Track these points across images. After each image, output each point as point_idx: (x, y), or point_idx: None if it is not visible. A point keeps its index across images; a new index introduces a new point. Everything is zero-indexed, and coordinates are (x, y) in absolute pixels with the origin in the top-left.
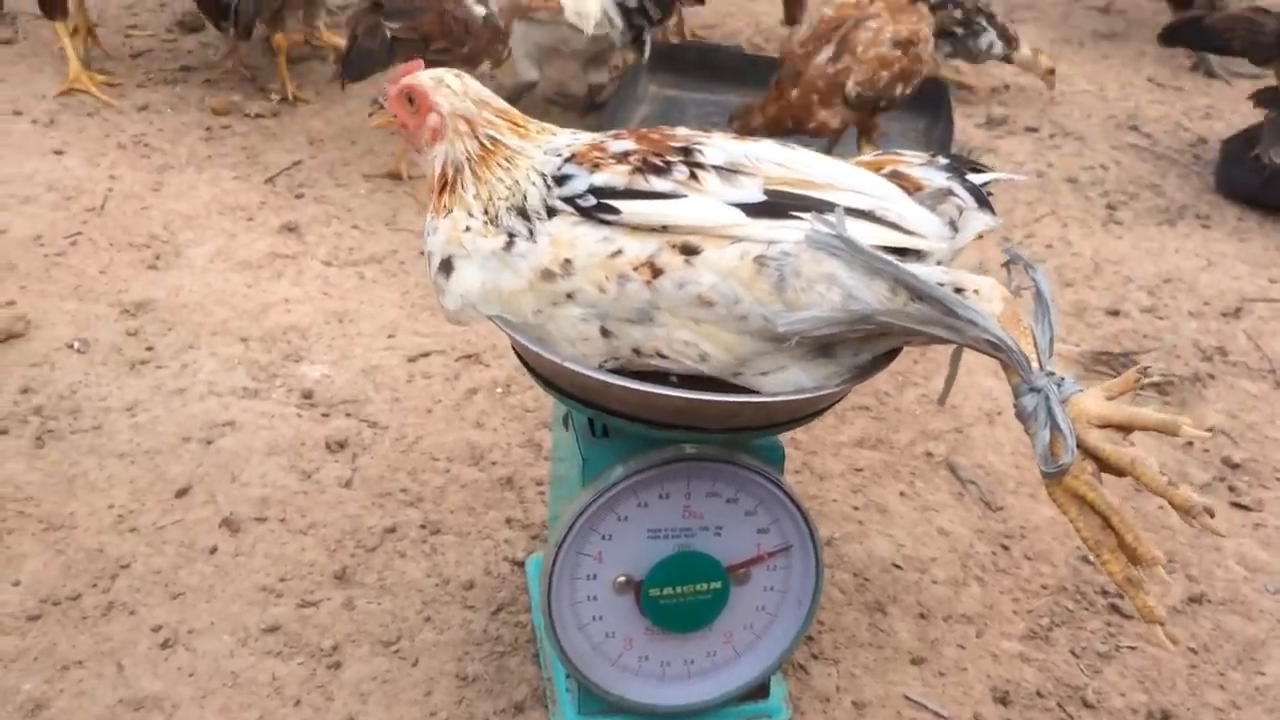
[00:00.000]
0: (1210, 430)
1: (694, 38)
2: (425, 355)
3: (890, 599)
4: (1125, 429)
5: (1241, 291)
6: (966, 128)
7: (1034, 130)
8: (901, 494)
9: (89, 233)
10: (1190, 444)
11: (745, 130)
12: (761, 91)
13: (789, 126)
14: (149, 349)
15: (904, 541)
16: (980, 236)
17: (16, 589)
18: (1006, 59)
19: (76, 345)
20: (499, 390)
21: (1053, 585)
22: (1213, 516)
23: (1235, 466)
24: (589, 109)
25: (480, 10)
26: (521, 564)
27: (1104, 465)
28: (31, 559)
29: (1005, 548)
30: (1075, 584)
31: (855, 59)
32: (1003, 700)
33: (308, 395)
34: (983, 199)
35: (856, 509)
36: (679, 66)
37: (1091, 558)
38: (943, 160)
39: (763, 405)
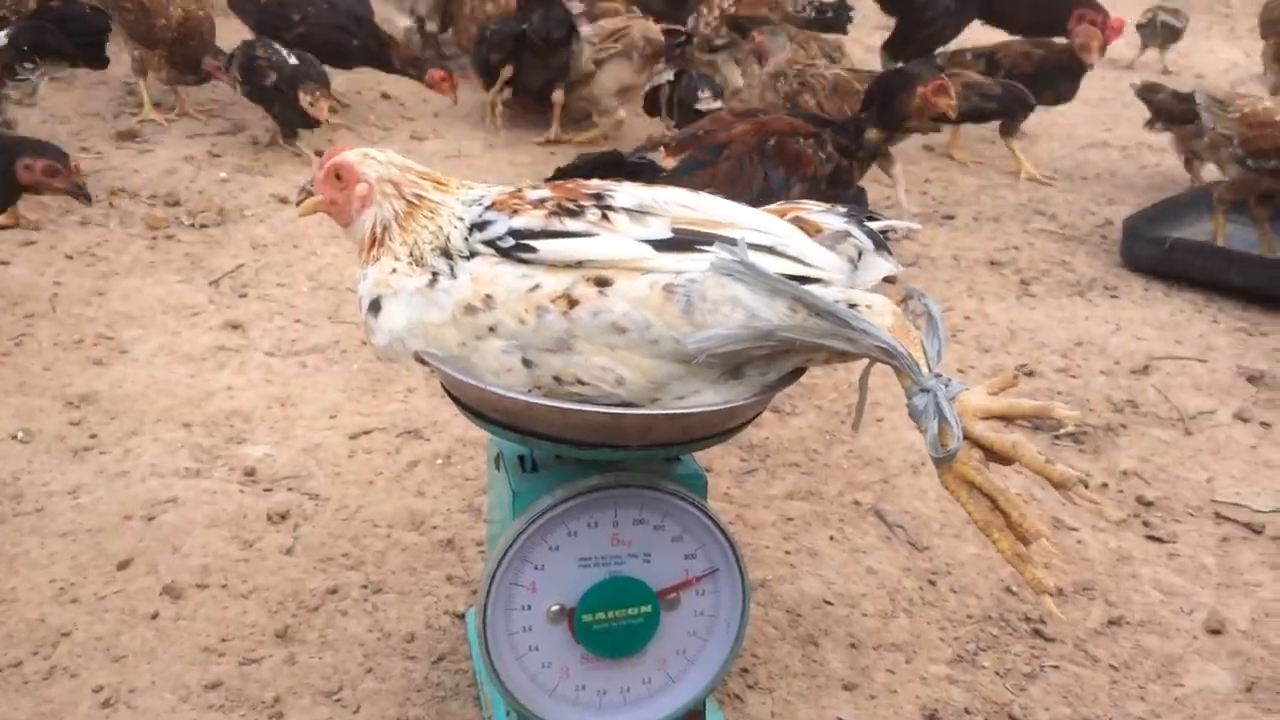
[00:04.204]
0: (1080, 414)
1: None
2: (367, 433)
3: (822, 632)
4: (1006, 418)
5: (1149, 351)
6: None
7: (950, 218)
8: (831, 539)
9: (35, 334)
10: (1106, 485)
11: None
12: None
13: None
14: (92, 436)
15: (834, 580)
16: (888, 281)
17: None
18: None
19: (20, 436)
20: (439, 461)
21: (978, 614)
22: (1087, 487)
23: (1149, 504)
24: None
25: None
26: (462, 616)
27: (990, 454)
28: None
29: (932, 583)
30: (1000, 612)
31: None
32: (931, 718)
33: (250, 473)
34: (881, 244)
35: (788, 553)
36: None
37: (987, 538)
38: (841, 209)
39: (676, 418)
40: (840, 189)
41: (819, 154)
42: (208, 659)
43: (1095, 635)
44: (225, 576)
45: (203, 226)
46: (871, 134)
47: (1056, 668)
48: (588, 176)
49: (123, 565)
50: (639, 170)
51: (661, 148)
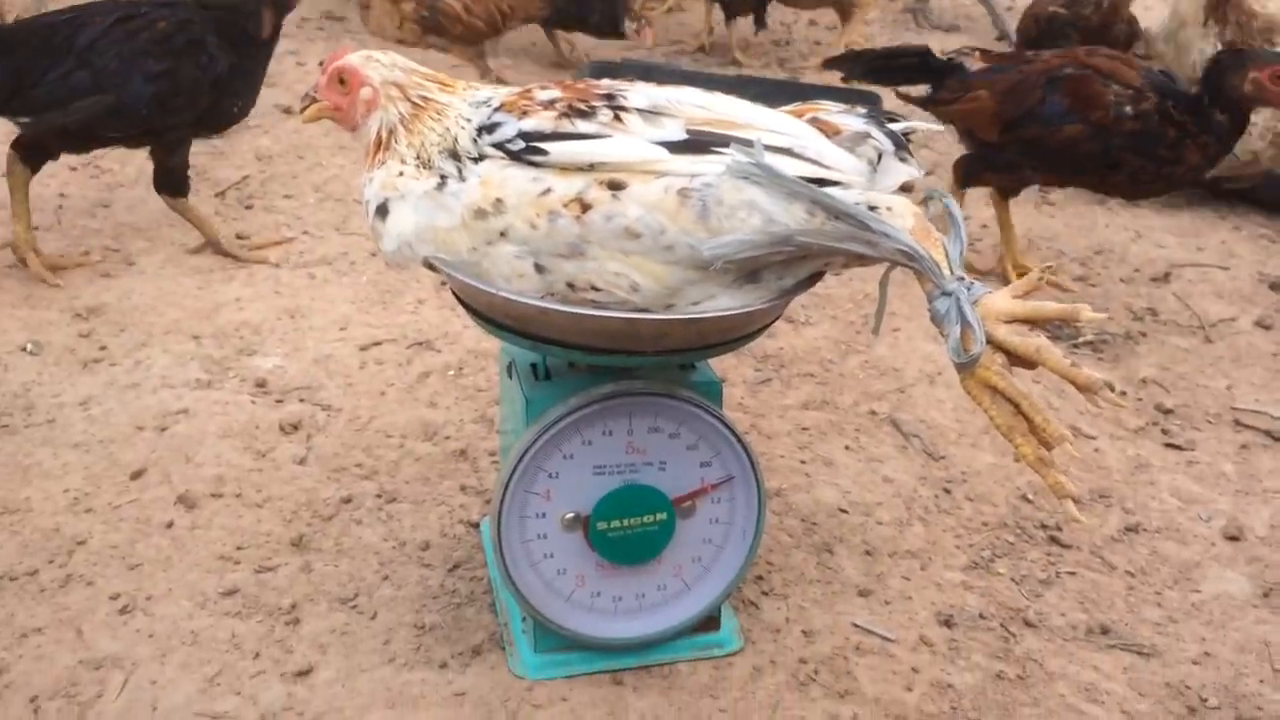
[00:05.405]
0: (1108, 316)
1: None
2: (377, 344)
3: (837, 540)
4: (1030, 321)
5: (1170, 259)
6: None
7: None
8: (846, 448)
9: (40, 246)
10: (1125, 393)
11: None
12: None
13: None
14: (101, 348)
15: (849, 489)
16: (907, 189)
17: None
18: None
19: (29, 348)
20: (451, 373)
21: (994, 522)
22: (1114, 391)
23: (1168, 412)
24: None
25: None
26: (476, 525)
27: (1013, 357)
28: None
29: (947, 491)
30: (1015, 520)
31: None
32: (947, 623)
33: (261, 384)
34: (901, 145)
35: (803, 463)
36: None
37: (1008, 441)
38: (861, 109)
39: (692, 322)
40: (1146, 157)
41: (1124, 107)
42: (224, 567)
43: (1112, 542)
44: (239, 486)
45: (206, 137)
46: (1220, 117)
47: (1073, 574)
48: (888, 68)
49: (136, 475)
50: (944, 70)
51: (976, 51)
